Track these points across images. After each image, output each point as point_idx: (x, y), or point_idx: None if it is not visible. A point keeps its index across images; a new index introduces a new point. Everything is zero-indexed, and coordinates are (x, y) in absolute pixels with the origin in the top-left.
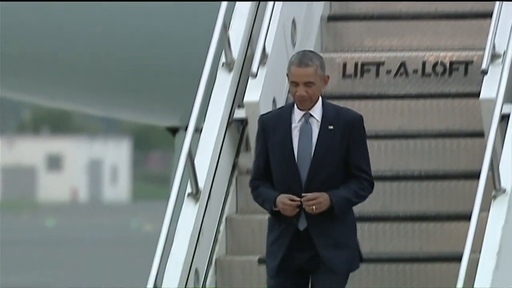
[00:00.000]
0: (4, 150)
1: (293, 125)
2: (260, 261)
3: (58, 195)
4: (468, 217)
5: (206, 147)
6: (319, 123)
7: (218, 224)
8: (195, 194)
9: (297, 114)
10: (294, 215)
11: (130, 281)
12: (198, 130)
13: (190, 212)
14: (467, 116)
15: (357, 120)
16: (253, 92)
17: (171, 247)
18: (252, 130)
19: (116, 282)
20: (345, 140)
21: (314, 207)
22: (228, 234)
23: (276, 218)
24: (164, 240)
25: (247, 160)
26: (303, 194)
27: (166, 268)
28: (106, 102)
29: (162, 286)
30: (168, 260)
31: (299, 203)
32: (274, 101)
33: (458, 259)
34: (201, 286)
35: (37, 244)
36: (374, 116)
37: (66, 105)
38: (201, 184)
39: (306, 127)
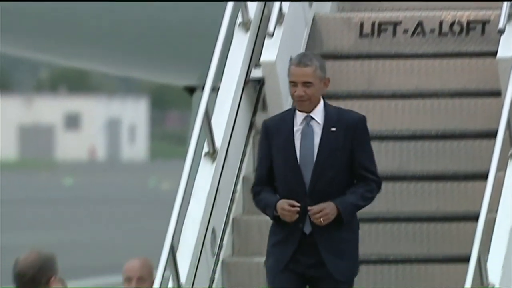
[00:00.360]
0: (22, 109)
1: (295, 128)
2: None
3: (76, 154)
4: (485, 177)
5: (223, 107)
6: (321, 126)
7: (235, 184)
8: (212, 153)
9: (299, 117)
10: (293, 220)
11: (147, 239)
12: (215, 90)
13: (207, 171)
14: (484, 75)
15: (360, 121)
16: (270, 52)
17: (188, 206)
18: (269, 89)
19: (133, 240)
20: (349, 141)
21: (322, 219)
22: (245, 194)
23: (280, 222)
24: (181, 199)
25: (264, 119)
26: (309, 208)
27: (183, 227)
28: (124, 61)
29: (179, 245)
30: (185, 219)
31: (299, 209)
32: (291, 60)
33: (475, 218)
34: (217, 245)
35: (55, 203)
36: (391, 76)
37: (84, 64)
38: (218, 143)
39: (308, 130)
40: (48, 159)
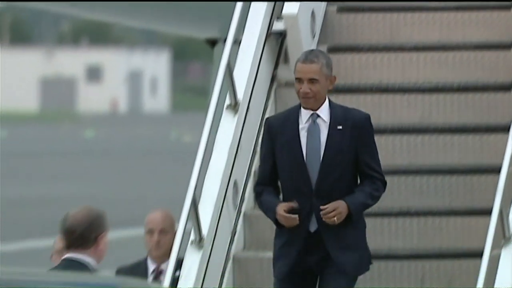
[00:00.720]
0: (44, 61)
1: (300, 126)
2: None
3: (97, 106)
4: (507, 129)
5: (245, 59)
6: (327, 124)
7: (256, 136)
8: (234, 106)
9: (304, 115)
10: (294, 225)
11: (169, 192)
12: (236, 42)
13: (229, 123)
14: (507, 28)
15: (365, 119)
16: (292, 5)
17: (210, 159)
18: (291, 42)
19: (155, 193)
20: (354, 140)
21: (335, 218)
22: None
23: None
24: (203, 151)
25: (286, 73)
26: (321, 207)
27: (205, 179)
28: (146, 13)
29: (201, 197)
30: (207, 171)
31: (297, 216)
32: (312, 13)
33: (497, 171)
34: (239, 198)
35: (76, 155)
36: (413, 29)
37: (106, 16)
38: (239, 96)
39: (314, 128)
40: (70, 111)
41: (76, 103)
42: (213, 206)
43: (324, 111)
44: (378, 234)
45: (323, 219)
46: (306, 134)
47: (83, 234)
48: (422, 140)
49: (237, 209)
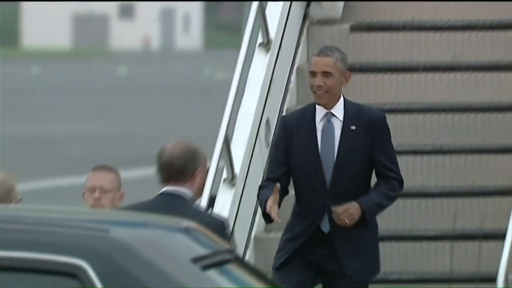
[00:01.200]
0: None
1: (316, 125)
2: None
3: (130, 43)
4: None
5: None
6: (341, 123)
7: (289, 74)
8: (266, 44)
9: (319, 114)
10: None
11: (201, 130)
12: None
13: (261, 61)
14: None
15: (380, 119)
16: None
17: (242, 96)
18: None
19: (187, 130)
20: (369, 139)
21: (346, 220)
22: (299, 84)
23: (296, 217)
24: (236, 89)
25: (318, 11)
26: (333, 209)
27: (237, 117)
28: None
29: (233, 135)
30: (239, 109)
31: (272, 211)
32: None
33: None
34: (271, 135)
35: (108, 92)
36: None
37: None
38: (272, 33)
39: (329, 127)
40: (102, 48)
41: (109, 40)
42: (246, 144)
43: (338, 110)
44: (410, 171)
45: (335, 220)
46: (321, 133)
47: (181, 168)
48: (454, 77)
49: (269, 147)
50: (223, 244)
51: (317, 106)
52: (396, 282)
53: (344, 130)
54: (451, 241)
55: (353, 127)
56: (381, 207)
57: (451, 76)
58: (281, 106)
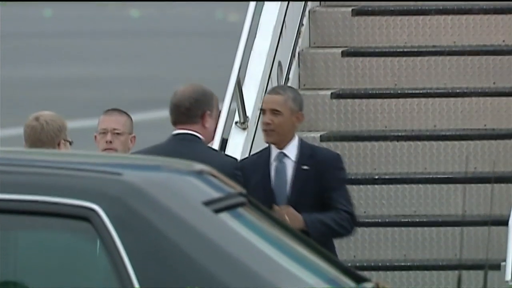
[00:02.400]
0: None
1: (270, 165)
2: (344, 53)
3: None
4: None
5: None
6: (294, 163)
7: (301, 17)
8: None
9: (273, 153)
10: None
11: (214, 73)
12: None
13: (273, 4)
14: None
15: (334, 159)
16: None
17: (254, 39)
18: None
19: (200, 73)
20: (319, 180)
21: (286, 216)
22: (311, 27)
23: None
24: (248, 31)
25: None
26: (275, 206)
27: (249, 60)
28: None
29: (245, 78)
30: (251, 52)
31: None
32: None
33: None
34: (284, 78)
35: (122, 35)
36: None
37: None
38: None
39: (281, 167)
40: None
41: None
42: (257, 87)
43: (291, 150)
44: (423, 114)
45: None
46: (274, 173)
47: (189, 110)
48: (466, 21)
49: None
50: (236, 187)
51: (272, 146)
52: (408, 225)
53: (297, 170)
54: (463, 184)
55: (306, 167)
56: (327, 227)
57: (464, 18)
58: (293, 49)
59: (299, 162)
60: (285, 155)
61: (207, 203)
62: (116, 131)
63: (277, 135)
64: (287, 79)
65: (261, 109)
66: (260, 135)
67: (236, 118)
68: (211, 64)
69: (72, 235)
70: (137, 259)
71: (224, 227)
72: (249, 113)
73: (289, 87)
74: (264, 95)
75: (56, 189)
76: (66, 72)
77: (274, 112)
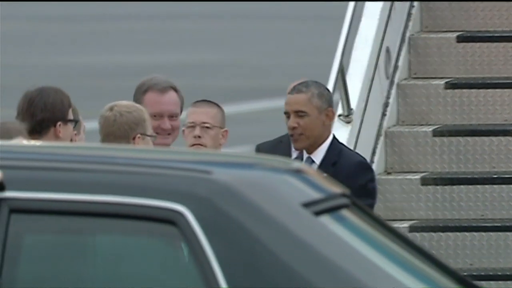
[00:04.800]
0: None
1: None
2: (459, 38)
3: None
4: None
5: None
6: (317, 168)
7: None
8: None
9: (295, 152)
10: None
11: (314, 60)
12: None
13: None
14: None
15: (355, 167)
16: None
17: (359, 23)
18: None
19: (300, 60)
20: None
21: None
22: (423, 9)
23: None
24: (351, 14)
25: None
26: None
27: (354, 46)
28: None
29: (349, 66)
30: (356, 37)
31: None
32: None
33: None
34: (392, 66)
35: (215, 17)
36: None
37: None
38: None
39: None
40: None
41: None
42: (363, 75)
43: (319, 155)
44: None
45: None
46: None
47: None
48: None
49: (389, 78)
50: (338, 187)
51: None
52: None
53: None
54: None
55: (325, 174)
56: None
57: None
58: (403, 33)
59: (322, 167)
60: (312, 161)
61: (307, 205)
62: (206, 125)
63: (306, 139)
64: (395, 67)
65: (284, 113)
66: (367, 128)
67: (340, 111)
68: (311, 50)
69: (155, 240)
70: (228, 267)
71: (325, 231)
72: (353, 104)
73: (313, 81)
74: (288, 94)
75: (137, 189)
76: (156, 59)
77: (299, 113)
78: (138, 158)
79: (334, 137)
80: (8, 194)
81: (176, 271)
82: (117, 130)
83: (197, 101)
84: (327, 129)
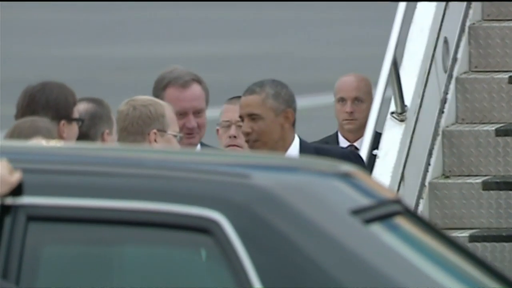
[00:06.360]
0: None
1: None
2: None
3: None
4: None
5: None
6: None
7: None
8: None
9: None
10: None
11: (363, 51)
12: None
13: None
14: None
15: (345, 155)
16: None
17: (414, 10)
18: None
19: (344, 52)
20: None
21: None
22: None
23: None
24: (405, 4)
25: None
26: None
27: (408, 37)
28: None
29: (404, 58)
30: (411, 26)
31: None
32: None
33: None
34: (450, 58)
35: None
36: None
37: None
38: None
39: None
40: None
41: None
42: (418, 69)
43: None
44: None
45: None
46: None
47: None
48: None
49: (447, 72)
50: (390, 193)
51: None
52: None
53: None
54: None
55: None
56: None
57: None
58: (462, 22)
59: None
60: None
61: (356, 212)
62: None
63: (263, 145)
64: (454, 59)
65: (239, 116)
66: (423, 128)
67: (392, 108)
68: (361, 40)
69: (188, 251)
70: (269, 282)
71: (376, 241)
72: (407, 101)
73: (270, 80)
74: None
75: (168, 195)
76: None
77: (252, 117)
78: (169, 160)
79: (300, 138)
80: (25, 200)
81: (211, 284)
82: (129, 125)
83: (233, 98)
84: (289, 132)
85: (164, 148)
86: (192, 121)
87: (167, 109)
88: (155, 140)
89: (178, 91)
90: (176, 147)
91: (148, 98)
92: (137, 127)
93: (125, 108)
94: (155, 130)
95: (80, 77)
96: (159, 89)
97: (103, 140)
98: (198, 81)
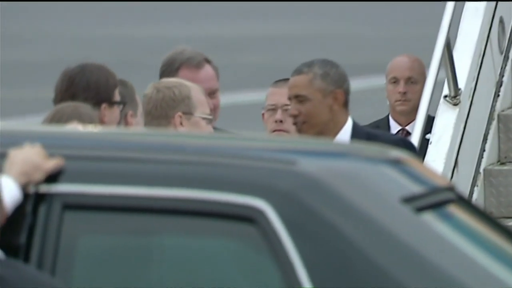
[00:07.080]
0: None
1: None
2: None
3: None
4: None
5: None
6: None
7: None
8: None
9: None
10: None
11: (416, 32)
12: None
13: None
14: None
15: (396, 143)
16: None
17: None
18: None
19: (398, 33)
20: None
21: None
22: None
23: None
24: None
25: None
26: None
27: (462, 16)
28: None
29: (457, 39)
30: (464, 6)
31: None
32: None
33: None
34: (506, 40)
35: None
36: None
37: None
38: None
39: None
40: None
41: None
42: (472, 50)
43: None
44: None
45: None
46: None
47: None
48: None
49: (503, 53)
50: (443, 180)
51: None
52: None
53: None
54: None
55: None
56: None
57: None
58: None
59: None
60: None
61: (407, 200)
62: (287, 108)
63: (311, 128)
64: (510, 40)
65: (288, 98)
66: (477, 111)
67: (446, 91)
68: (413, 20)
69: (231, 241)
70: (315, 272)
71: (428, 230)
72: (461, 84)
73: (320, 60)
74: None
75: (210, 182)
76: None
77: (299, 98)
78: (211, 146)
79: (354, 121)
80: (61, 188)
81: (255, 277)
82: (153, 109)
83: (279, 80)
84: (339, 114)
85: (204, 133)
86: (209, 103)
87: (194, 90)
88: (181, 124)
89: (192, 72)
90: (206, 130)
91: (175, 80)
92: (161, 110)
93: (149, 91)
94: (180, 113)
95: (113, 58)
96: (171, 72)
97: (126, 122)
98: (208, 60)
